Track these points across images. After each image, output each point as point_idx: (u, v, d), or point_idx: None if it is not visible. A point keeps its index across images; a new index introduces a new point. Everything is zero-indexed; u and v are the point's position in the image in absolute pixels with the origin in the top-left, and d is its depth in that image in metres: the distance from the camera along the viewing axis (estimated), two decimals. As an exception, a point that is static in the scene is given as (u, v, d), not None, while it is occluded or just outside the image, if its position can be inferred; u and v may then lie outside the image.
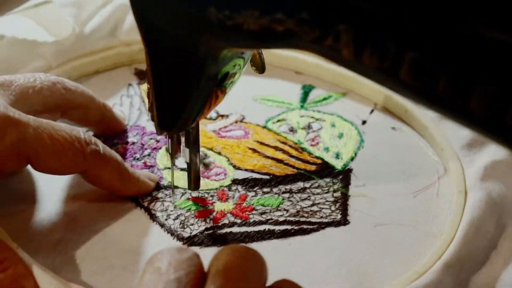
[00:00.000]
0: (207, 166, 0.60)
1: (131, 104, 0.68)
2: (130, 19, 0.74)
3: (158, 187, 0.58)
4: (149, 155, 0.62)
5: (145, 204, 0.57)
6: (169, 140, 0.56)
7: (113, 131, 0.63)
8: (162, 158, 0.61)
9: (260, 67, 0.55)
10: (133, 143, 0.63)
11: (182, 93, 0.49)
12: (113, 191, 0.56)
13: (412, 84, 0.35)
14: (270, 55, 0.73)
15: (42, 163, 0.51)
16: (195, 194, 0.58)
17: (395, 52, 0.35)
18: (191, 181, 0.57)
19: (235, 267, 0.40)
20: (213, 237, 0.54)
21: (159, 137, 0.63)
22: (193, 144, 0.55)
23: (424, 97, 0.35)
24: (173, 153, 0.56)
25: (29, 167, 0.54)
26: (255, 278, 0.40)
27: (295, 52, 0.73)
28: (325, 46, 0.38)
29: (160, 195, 0.58)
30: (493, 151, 0.60)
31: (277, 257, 0.53)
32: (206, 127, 0.65)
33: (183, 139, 0.55)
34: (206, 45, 0.45)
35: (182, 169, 0.60)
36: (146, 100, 0.67)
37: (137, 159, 0.61)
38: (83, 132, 0.53)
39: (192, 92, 0.49)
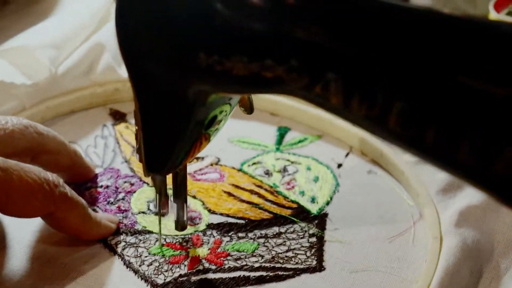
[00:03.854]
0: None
1: (105, 145, 0.68)
2: (104, 59, 0.74)
3: (133, 232, 0.58)
4: (123, 199, 0.61)
5: (119, 250, 0.56)
6: (157, 195, 0.55)
7: (82, 178, 0.62)
8: (136, 202, 0.61)
9: (248, 108, 0.55)
10: (107, 187, 0.62)
11: (171, 135, 0.49)
12: (76, 235, 0.55)
13: (400, 134, 0.35)
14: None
15: (11, 205, 0.50)
16: (169, 240, 0.57)
17: (383, 101, 0.35)
18: (178, 224, 0.57)
19: None
20: (187, 284, 0.53)
21: (133, 180, 0.63)
22: (181, 186, 0.54)
23: (413, 146, 0.36)
24: (160, 208, 0.55)
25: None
26: None
27: (275, 96, 0.73)
28: (314, 94, 0.38)
29: (133, 240, 0.57)
30: (468, 196, 0.60)
31: (252, 304, 0.52)
32: (181, 170, 0.65)
33: (170, 193, 0.55)
34: (195, 89, 0.45)
35: (155, 214, 0.59)
36: (121, 142, 0.67)
37: (111, 203, 0.60)
38: (51, 175, 0.53)
39: (180, 135, 0.49)
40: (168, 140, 0.49)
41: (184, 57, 0.42)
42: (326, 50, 0.36)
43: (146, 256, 0.56)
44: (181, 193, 0.55)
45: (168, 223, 0.58)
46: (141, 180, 0.63)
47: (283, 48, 0.38)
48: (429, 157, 0.36)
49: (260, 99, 0.73)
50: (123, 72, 0.74)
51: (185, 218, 0.56)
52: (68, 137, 0.67)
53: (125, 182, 0.63)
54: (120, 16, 0.45)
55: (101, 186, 0.62)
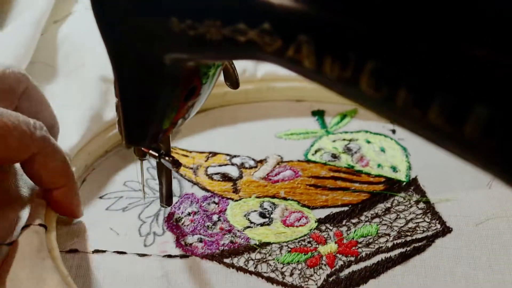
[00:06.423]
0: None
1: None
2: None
3: (253, 248, 0.55)
4: (219, 220, 0.58)
5: (252, 268, 0.53)
6: (141, 163, 0.56)
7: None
8: (233, 219, 0.58)
9: (234, 83, 0.54)
10: (195, 213, 0.59)
11: (148, 105, 0.49)
12: (55, 195, 0.54)
13: (372, 95, 0.34)
14: (272, 91, 0.72)
15: None
16: (292, 245, 0.55)
17: (355, 61, 0.34)
18: (163, 197, 0.56)
19: None
20: (341, 282, 0.52)
21: (216, 200, 0.60)
22: (165, 157, 0.53)
23: (385, 108, 0.35)
24: (143, 177, 0.57)
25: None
26: None
27: (296, 82, 0.72)
28: (287, 57, 0.37)
29: (259, 256, 0.54)
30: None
31: (412, 281, 0.52)
32: (253, 176, 0.62)
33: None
34: (171, 57, 0.44)
35: (262, 224, 0.57)
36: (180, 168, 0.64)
37: (210, 227, 0.57)
38: (33, 120, 0.52)
39: (158, 105, 0.48)
40: (146, 111, 0.49)
41: (157, 23, 0.42)
42: (297, 12, 0.36)
43: (281, 268, 0.53)
44: (164, 167, 0.54)
45: (281, 229, 0.56)
46: (222, 197, 0.60)
47: (255, 11, 0.37)
48: (400, 118, 0.35)
49: (283, 89, 0.72)
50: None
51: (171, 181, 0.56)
52: (115, 169, 0.64)
53: (208, 204, 0.60)
54: None
55: (189, 214, 0.59)
